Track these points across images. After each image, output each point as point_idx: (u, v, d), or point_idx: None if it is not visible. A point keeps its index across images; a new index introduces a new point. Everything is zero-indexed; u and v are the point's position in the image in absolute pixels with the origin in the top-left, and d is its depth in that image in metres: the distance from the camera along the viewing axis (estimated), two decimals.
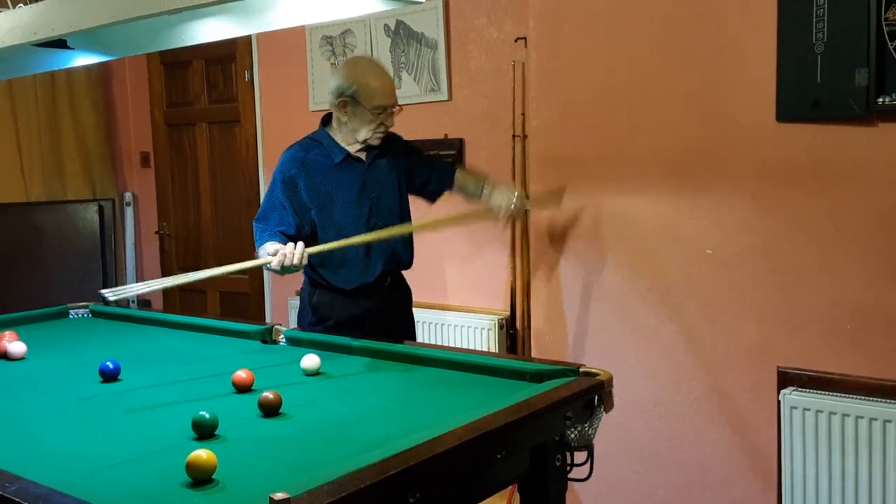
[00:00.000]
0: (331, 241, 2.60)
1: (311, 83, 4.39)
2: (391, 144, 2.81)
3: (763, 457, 2.73)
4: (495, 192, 2.79)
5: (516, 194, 2.76)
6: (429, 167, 2.92)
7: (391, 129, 2.76)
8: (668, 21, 2.81)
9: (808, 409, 2.55)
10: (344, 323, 2.74)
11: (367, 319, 2.75)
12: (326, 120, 2.81)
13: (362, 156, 2.75)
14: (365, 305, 2.76)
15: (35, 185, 5.16)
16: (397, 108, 2.71)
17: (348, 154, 2.72)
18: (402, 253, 2.81)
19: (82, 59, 2.66)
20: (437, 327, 3.77)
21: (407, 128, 3.99)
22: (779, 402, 2.62)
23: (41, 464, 1.57)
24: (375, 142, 2.71)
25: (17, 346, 2.48)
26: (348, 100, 2.64)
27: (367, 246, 2.69)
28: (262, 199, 4.17)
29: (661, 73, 2.85)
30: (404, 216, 2.83)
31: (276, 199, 2.70)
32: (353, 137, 2.70)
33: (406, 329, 2.94)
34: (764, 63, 2.59)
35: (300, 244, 2.43)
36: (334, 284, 2.74)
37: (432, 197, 2.95)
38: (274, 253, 2.41)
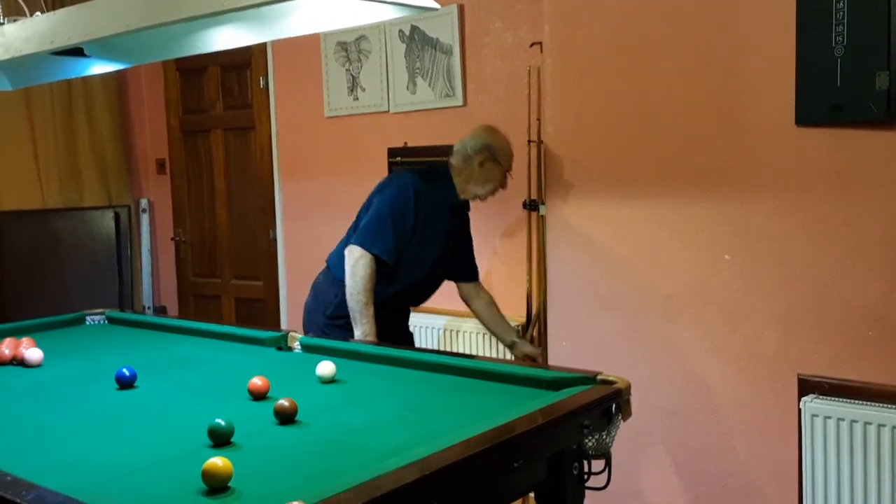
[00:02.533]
0: (404, 267, 2.89)
1: (325, 89, 4.40)
2: (465, 212, 3.10)
3: (784, 466, 2.70)
4: (520, 346, 3.20)
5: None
6: (468, 250, 3.19)
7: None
8: (684, 25, 2.79)
9: (830, 417, 2.51)
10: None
11: (379, 323, 2.86)
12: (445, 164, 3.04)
13: (462, 207, 3.05)
14: (386, 311, 2.90)
15: (52, 193, 5.20)
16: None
17: (458, 201, 3.00)
18: (425, 299, 3.13)
19: (98, 67, 2.67)
20: (452, 334, 3.75)
21: (422, 134, 4.00)
22: (799, 410, 2.59)
23: (58, 471, 1.56)
24: (482, 199, 3.04)
25: (34, 353, 2.49)
26: (489, 156, 2.96)
27: (418, 283, 2.97)
28: (276, 204, 4.22)
29: (677, 78, 2.83)
30: (451, 269, 3.11)
31: (403, 216, 2.85)
32: (469, 188, 2.99)
33: (406, 335, 3.13)
34: (783, 66, 2.57)
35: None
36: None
37: (452, 277, 3.17)
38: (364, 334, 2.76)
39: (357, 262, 2.77)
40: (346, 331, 2.84)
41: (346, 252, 2.81)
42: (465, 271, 3.19)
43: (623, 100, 2.96)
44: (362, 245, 2.79)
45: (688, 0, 2.78)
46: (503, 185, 3.04)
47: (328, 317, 2.91)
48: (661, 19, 2.84)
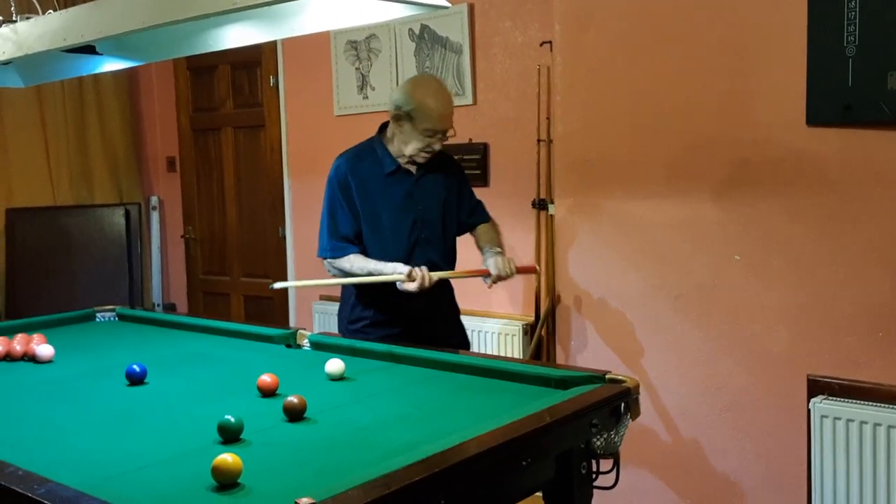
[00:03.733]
0: (374, 249, 2.74)
1: (335, 88, 4.40)
2: (443, 163, 2.87)
3: (793, 467, 2.69)
4: (492, 259, 2.81)
5: (508, 270, 2.77)
6: (472, 198, 2.98)
7: (441, 149, 2.80)
8: (695, 24, 2.79)
9: (839, 419, 2.51)
10: (378, 323, 2.80)
11: (398, 323, 2.79)
12: (383, 128, 2.86)
13: (412, 168, 2.80)
14: (400, 310, 2.77)
15: (63, 190, 5.23)
16: (451, 132, 2.75)
17: (399, 166, 2.78)
18: (440, 263, 2.83)
19: (110, 65, 2.68)
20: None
21: None
22: (809, 410, 2.58)
23: (69, 466, 1.58)
24: (420, 160, 2.76)
25: (45, 350, 2.50)
26: (403, 115, 2.69)
27: (408, 255, 2.76)
28: (286, 202, 4.22)
29: (688, 77, 2.82)
30: (447, 233, 2.87)
31: (337, 206, 2.77)
32: (401, 150, 2.75)
33: (453, 329, 2.96)
34: (794, 66, 2.56)
35: (424, 268, 2.61)
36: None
37: (467, 228, 2.98)
38: (408, 273, 2.59)
39: (331, 272, 2.79)
40: (363, 335, 2.80)
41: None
42: (480, 214, 2.96)
43: (632, 99, 2.95)
44: (320, 254, 2.80)
45: (698, 0, 2.78)
46: (432, 142, 2.70)
47: (349, 321, 2.88)
48: (670, 19, 2.84)
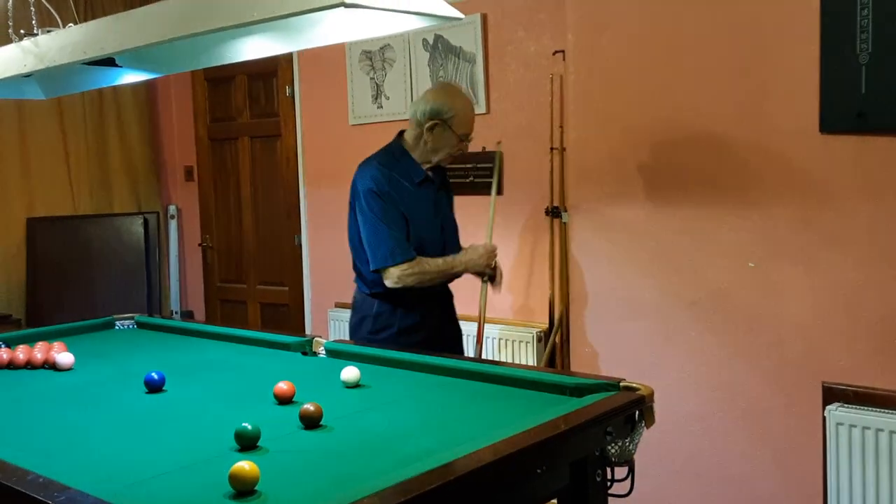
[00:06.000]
0: (420, 251, 2.80)
1: (350, 97, 4.44)
2: (442, 172, 2.97)
3: (808, 474, 2.68)
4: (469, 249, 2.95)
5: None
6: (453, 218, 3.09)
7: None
8: (708, 33, 2.79)
9: (855, 426, 2.50)
10: (405, 331, 2.83)
11: (423, 329, 2.85)
12: (399, 136, 2.91)
13: (431, 176, 2.90)
14: (422, 311, 2.85)
15: (83, 199, 5.29)
16: (471, 137, 2.89)
17: (426, 175, 2.86)
18: None
19: (129, 77, 2.72)
20: (475, 339, 3.75)
21: None
22: (824, 418, 2.57)
23: (89, 474, 1.59)
24: (446, 163, 2.89)
25: (65, 357, 2.53)
26: (440, 122, 2.77)
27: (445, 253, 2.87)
28: (302, 211, 4.22)
29: (701, 86, 2.83)
30: (457, 237, 3.01)
31: (388, 213, 2.75)
32: (429, 157, 2.84)
33: (455, 335, 3.04)
34: (807, 74, 2.56)
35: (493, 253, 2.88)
36: (397, 295, 2.81)
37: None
38: (483, 265, 2.85)
39: (402, 280, 2.73)
40: (391, 344, 2.80)
41: (386, 282, 2.75)
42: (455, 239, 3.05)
43: (645, 107, 2.96)
44: (385, 264, 2.73)
45: (710, 8, 2.78)
46: (460, 148, 2.85)
47: (371, 332, 2.85)
48: (683, 27, 2.84)
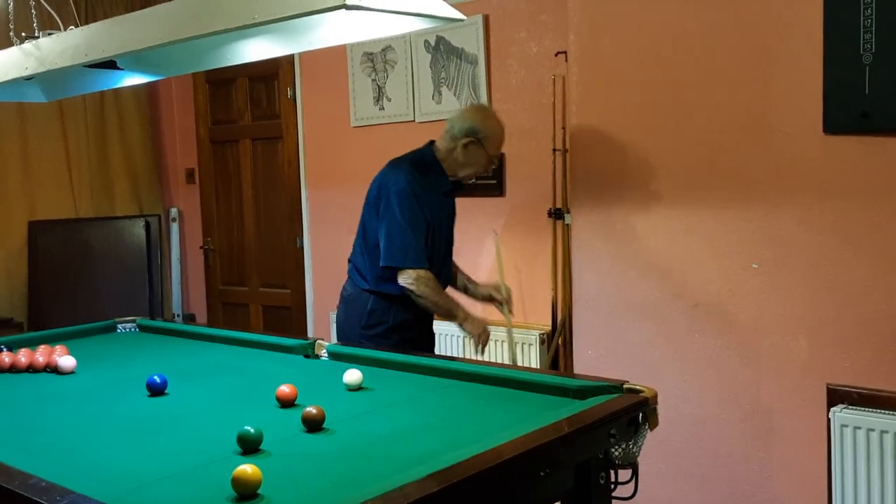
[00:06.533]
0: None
1: (352, 99, 4.43)
2: (458, 187, 3.07)
3: (813, 476, 2.67)
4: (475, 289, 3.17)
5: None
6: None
7: None
8: (710, 33, 2.79)
9: (860, 428, 2.49)
10: (396, 327, 2.90)
11: (414, 326, 2.93)
12: (430, 144, 3.00)
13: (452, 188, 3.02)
14: (415, 312, 2.91)
15: (84, 202, 5.29)
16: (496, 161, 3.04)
17: (451, 186, 2.98)
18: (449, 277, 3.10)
19: (131, 80, 2.72)
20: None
21: None
22: (829, 420, 2.56)
23: (91, 478, 1.59)
24: (468, 180, 3.03)
25: (67, 361, 2.53)
26: (475, 140, 2.90)
27: (440, 268, 2.95)
28: (303, 213, 4.21)
29: (704, 86, 2.82)
30: (452, 251, 3.10)
31: (417, 215, 2.82)
32: (456, 171, 2.96)
33: (430, 338, 3.13)
34: (810, 75, 2.55)
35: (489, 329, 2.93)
36: (394, 293, 2.86)
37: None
38: (479, 330, 2.90)
39: (417, 283, 2.78)
40: (383, 339, 2.85)
41: (400, 279, 2.79)
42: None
43: (648, 108, 2.95)
44: (404, 265, 2.78)
45: (713, 9, 2.78)
46: (487, 169, 3.02)
47: (363, 326, 2.91)
48: (686, 28, 2.84)
